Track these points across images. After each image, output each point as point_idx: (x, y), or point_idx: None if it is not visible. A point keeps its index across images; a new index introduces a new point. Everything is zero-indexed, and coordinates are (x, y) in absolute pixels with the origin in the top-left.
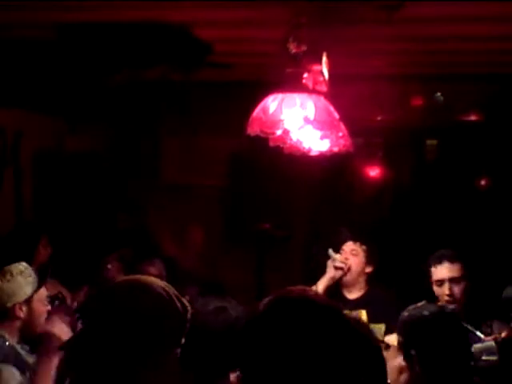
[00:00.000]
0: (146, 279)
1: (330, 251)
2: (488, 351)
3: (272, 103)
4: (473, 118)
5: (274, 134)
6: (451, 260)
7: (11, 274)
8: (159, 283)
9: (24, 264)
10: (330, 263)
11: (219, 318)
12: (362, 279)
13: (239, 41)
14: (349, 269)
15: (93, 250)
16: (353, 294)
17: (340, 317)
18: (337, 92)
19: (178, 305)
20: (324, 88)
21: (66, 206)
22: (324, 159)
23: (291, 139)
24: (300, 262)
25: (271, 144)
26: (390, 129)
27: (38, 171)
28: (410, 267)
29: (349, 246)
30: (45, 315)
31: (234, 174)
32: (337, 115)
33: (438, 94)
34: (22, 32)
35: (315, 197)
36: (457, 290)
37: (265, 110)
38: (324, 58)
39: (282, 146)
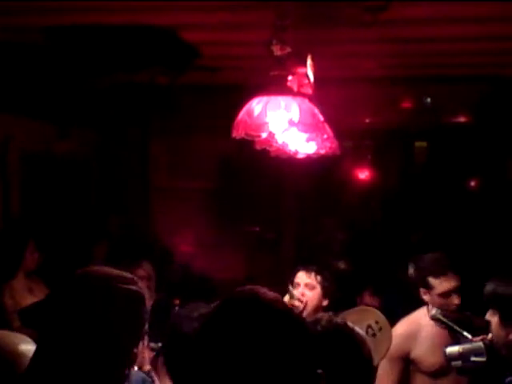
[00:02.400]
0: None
1: (290, 287)
2: (476, 352)
3: (257, 106)
4: (462, 119)
5: (259, 136)
6: (453, 269)
7: None
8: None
9: None
10: (286, 299)
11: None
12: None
13: (226, 44)
14: (305, 305)
15: (81, 252)
16: None
17: (287, 316)
18: (325, 95)
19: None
20: (309, 91)
21: (54, 210)
22: (313, 162)
23: (277, 142)
24: (289, 264)
25: (257, 147)
26: (379, 131)
27: (26, 175)
28: (400, 271)
29: (303, 279)
30: None
31: (222, 177)
32: (321, 117)
33: (427, 97)
34: (9, 36)
35: (304, 199)
36: (457, 299)
37: (249, 113)
38: (309, 61)
39: (268, 148)
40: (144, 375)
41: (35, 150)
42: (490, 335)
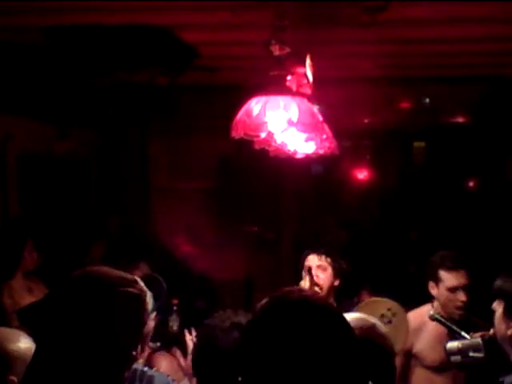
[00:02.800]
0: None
1: (304, 273)
2: (475, 348)
3: (255, 106)
4: (460, 119)
5: (258, 136)
6: (464, 266)
7: None
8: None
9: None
10: (305, 285)
11: (233, 334)
12: (331, 294)
13: (225, 44)
14: (322, 288)
15: (78, 252)
16: None
17: (339, 319)
18: (324, 95)
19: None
20: (308, 91)
21: (53, 210)
22: (312, 162)
23: (276, 142)
24: (289, 264)
25: (256, 147)
26: (377, 131)
27: (25, 175)
28: (398, 270)
29: (314, 261)
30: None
31: (222, 177)
32: (320, 117)
33: (425, 98)
34: (9, 35)
35: (304, 199)
36: (466, 297)
37: (248, 113)
38: (308, 61)
39: (267, 148)
40: (169, 380)
41: (34, 149)
42: (491, 331)
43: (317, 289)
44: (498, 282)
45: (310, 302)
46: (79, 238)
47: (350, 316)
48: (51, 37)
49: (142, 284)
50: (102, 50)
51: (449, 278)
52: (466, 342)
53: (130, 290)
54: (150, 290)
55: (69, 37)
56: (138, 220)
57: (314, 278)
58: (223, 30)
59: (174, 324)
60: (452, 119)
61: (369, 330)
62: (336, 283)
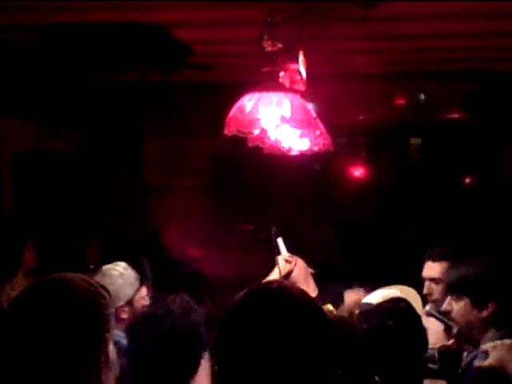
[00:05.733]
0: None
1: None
2: (431, 360)
3: (248, 102)
4: (456, 115)
5: (251, 133)
6: (434, 259)
7: (111, 277)
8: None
9: (123, 265)
10: (279, 258)
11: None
12: (310, 279)
13: (218, 42)
14: (295, 263)
15: (74, 251)
16: None
17: (318, 311)
18: (318, 92)
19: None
20: (302, 87)
21: (48, 210)
22: (307, 159)
23: (269, 139)
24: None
25: (250, 144)
26: (373, 128)
27: (18, 175)
28: (394, 266)
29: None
30: None
31: (216, 175)
32: (314, 113)
33: (420, 94)
34: (0, 34)
35: (299, 196)
36: (436, 289)
37: (241, 110)
38: (301, 57)
39: (261, 145)
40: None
41: (27, 149)
42: (450, 341)
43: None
44: (462, 272)
45: (285, 292)
46: (75, 237)
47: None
48: (43, 36)
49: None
50: (95, 48)
51: (423, 270)
52: (428, 352)
53: (83, 296)
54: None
55: (61, 35)
56: (132, 218)
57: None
58: (217, 28)
59: None
60: (447, 115)
61: None
62: (311, 271)
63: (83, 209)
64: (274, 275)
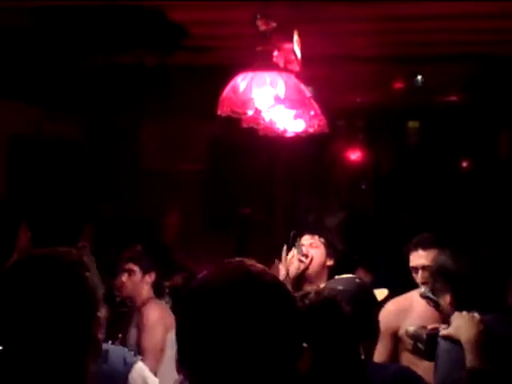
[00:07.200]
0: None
1: (296, 245)
2: (420, 340)
3: (242, 82)
4: (454, 98)
5: (245, 113)
6: (425, 247)
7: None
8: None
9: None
10: (292, 255)
11: None
12: (324, 273)
13: (214, 23)
14: (311, 261)
15: (68, 234)
16: None
17: (279, 289)
18: (315, 73)
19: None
20: (296, 67)
21: (43, 193)
22: (304, 142)
23: (264, 120)
24: (281, 245)
25: (244, 125)
26: (371, 111)
27: (14, 158)
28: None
29: (307, 240)
30: None
31: (213, 159)
32: (308, 93)
33: (418, 77)
34: None
35: (296, 180)
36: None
37: (235, 90)
38: (295, 37)
39: (255, 127)
40: (125, 351)
41: (23, 132)
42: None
43: (303, 259)
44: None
45: (245, 269)
46: (69, 221)
47: None
48: (39, 18)
49: (78, 254)
50: (89, 30)
51: (411, 260)
52: (418, 331)
53: (67, 264)
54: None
55: (56, 18)
56: (129, 203)
57: (305, 251)
58: (213, 9)
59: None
60: (445, 98)
61: None
62: (329, 263)
63: (78, 193)
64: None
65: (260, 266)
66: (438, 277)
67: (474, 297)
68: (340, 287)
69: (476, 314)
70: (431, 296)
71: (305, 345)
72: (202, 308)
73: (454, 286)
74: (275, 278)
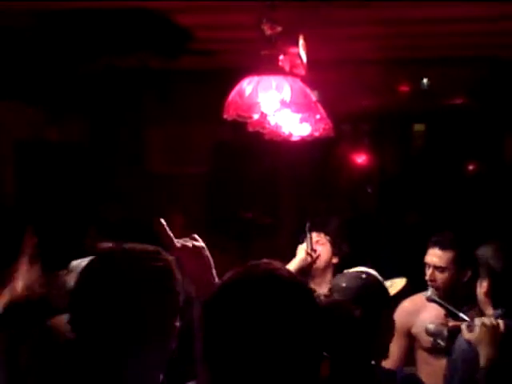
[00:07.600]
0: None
1: (306, 238)
2: (441, 337)
3: (247, 86)
4: (460, 101)
5: (251, 117)
6: (443, 248)
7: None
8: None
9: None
10: (300, 247)
11: None
12: (329, 270)
13: (220, 27)
14: (318, 257)
15: (76, 237)
16: (322, 288)
17: (307, 294)
18: (321, 77)
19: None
20: (302, 71)
21: (48, 197)
22: (310, 146)
23: (270, 124)
24: (287, 249)
25: (250, 129)
26: (376, 115)
27: (20, 161)
28: (397, 254)
29: (313, 237)
30: None
31: (218, 161)
32: (314, 97)
33: (424, 80)
34: None
35: (302, 184)
36: (440, 277)
37: (240, 94)
38: (301, 41)
39: (261, 131)
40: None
41: (27, 135)
42: (462, 324)
43: (312, 253)
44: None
45: (275, 275)
46: (74, 224)
47: None
48: (43, 21)
49: (165, 253)
50: (94, 33)
51: (427, 254)
52: (439, 328)
53: (156, 264)
54: None
55: (59, 20)
56: (133, 205)
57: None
58: (218, 13)
59: None
60: (451, 101)
61: None
62: (334, 261)
63: (83, 196)
64: (293, 263)
65: (287, 269)
66: (481, 266)
67: (508, 294)
68: (343, 284)
69: (501, 323)
70: (437, 299)
71: (325, 354)
72: (230, 308)
73: (492, 279)
74: (303, 282)
